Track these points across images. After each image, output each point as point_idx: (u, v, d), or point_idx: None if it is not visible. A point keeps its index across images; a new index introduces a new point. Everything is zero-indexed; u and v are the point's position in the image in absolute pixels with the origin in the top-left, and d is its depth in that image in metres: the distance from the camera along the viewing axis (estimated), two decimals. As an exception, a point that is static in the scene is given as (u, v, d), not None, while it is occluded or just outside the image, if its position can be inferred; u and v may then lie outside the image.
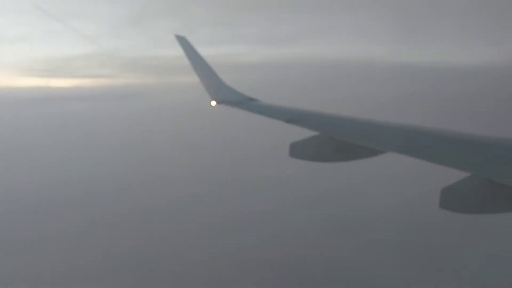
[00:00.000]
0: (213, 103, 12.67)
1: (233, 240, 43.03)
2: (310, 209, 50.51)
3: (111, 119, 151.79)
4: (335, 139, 8.40)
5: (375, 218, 46.61)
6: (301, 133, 9.05)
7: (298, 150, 9.02)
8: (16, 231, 47.46)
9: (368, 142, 7.79)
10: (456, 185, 5.95)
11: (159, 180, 65.38)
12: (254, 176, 64.99)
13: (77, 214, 51.97)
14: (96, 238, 44.74)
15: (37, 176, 71.06)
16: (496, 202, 5.81)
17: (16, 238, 45.70)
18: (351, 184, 56.49)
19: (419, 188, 50.30)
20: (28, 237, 45.65)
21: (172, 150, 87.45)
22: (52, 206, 55.10)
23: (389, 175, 55.94)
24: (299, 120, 9.85)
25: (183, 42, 13.51)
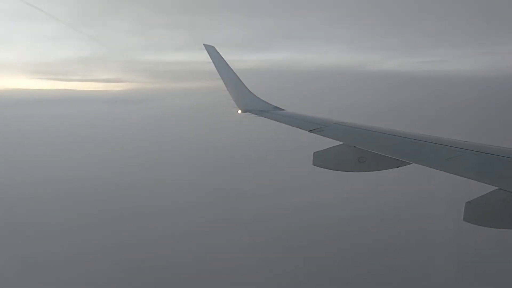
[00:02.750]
0: (239, 111, 12.93)
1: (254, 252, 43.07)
2: (330, 218, 50.11)
3: (124, 123, 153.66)
4: (358, 149, 8.48)
5: (397, 231, 45.85)
6: (325, 143, 9.16)
7: (321, 159, 9.12)
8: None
9: (392, 153, 7.85)
10: (480, 198, 5.94)
11: (182, 186, 65.97)
12: (276, 184, 64.85)
13: (104, 219, 52.89)
14: (134, 250, 45.28)
15: (59, 177, 72.63)
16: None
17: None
18: (373, 195, 55.75)
19: (443, 201, 49.23)
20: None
21: (192, 156, 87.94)
22: (78, 216, 56.23)
23: (412, 187, 54.90)
24: (323, 130, 9.95)
25: (211, 51, 13.88)
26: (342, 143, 8.83)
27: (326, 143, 9.07)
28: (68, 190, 64.74)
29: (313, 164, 8.97)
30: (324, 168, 8.99)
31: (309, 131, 10.01)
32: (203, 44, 13.82)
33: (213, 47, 13.77)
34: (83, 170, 77.39)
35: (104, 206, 57.04)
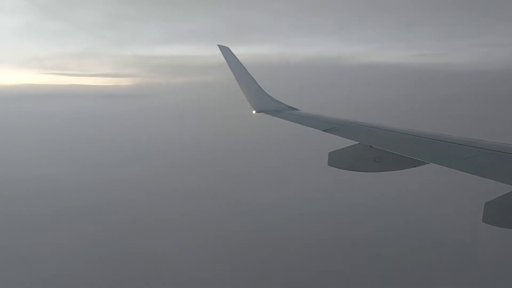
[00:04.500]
0: (254, 112, 12.98)
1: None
2: (346, 219, 49.80)
3: (129, 118, 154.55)
4: (374, 149, 8.42)
5: (414, 231, 45.30)
6: (340, 143, 9.11)
7: (336, 159, 9.09)
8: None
9: (408, 152, 7.76)
10: (500, 199, 5.83)
11: (197, 187, 66.24)
12: (291, 184, 64.74)
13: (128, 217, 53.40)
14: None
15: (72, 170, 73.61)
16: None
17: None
18: (389, 195, 55.19)
19: (461, 201, 48.49)
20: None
21: (206, 155, 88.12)
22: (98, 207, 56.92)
23: (430, 187, 54.21)
24: (338, 129, 9.91)
25: (225, 51, 13.99)
26: (358, 142, 8.78)
27: (342, 143, 9.01)
28: (76, 185, 65.40)
29: (329, 164, 8.93)
30: (339, 168, 8.95)
31: (324, 130, 9.98)
32: (218, 45, 13.97)
33: (227, 48, 13.89)
34: (93, 167, 78.02)
35: (106, 199, 57.70)
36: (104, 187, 64.65)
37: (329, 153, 8.95)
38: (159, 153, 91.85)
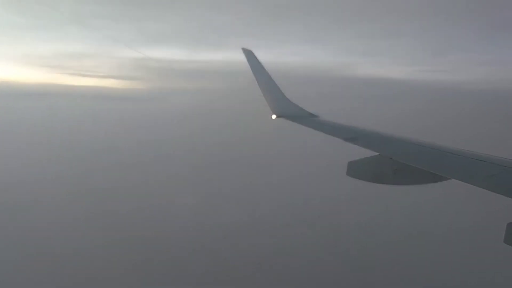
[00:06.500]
0: (274, 116, 12.87)
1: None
2: (361, 233, 49.02)
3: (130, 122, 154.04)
4: (394, 161, 8.22)
5: (432, 252, 44.02)
6: (360, 153, 8.94)
7: (355, 169, 8.92)
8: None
9: (430, 167, 7.55)
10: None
11: (213, 193, 66.31)
12: (307, 193, 64.05)
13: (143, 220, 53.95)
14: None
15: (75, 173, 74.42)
16: None
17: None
18: (407, 210, 54.04)
19: (483, 221, 47.18)
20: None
21: (223, 161, 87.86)
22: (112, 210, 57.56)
23: (450, 204, 52.92)
24: (359, 139, 9.74)
25: (249, 55, 13.92)
26: (378, 153, 8.59)
27: (362, 152, 8.84)
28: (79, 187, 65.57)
29: (347, 174, 8.76)
30: (358, 178, 8.78)
31: (344, 139, 9.82)
32: (241, 48, 13.92)
33: (251, 51, 13.82)
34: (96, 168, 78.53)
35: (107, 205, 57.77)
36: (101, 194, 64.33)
37: (348, 162, 8.79)
38: (162, 157, 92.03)
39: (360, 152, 8.82)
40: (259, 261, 41.25)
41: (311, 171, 75.66)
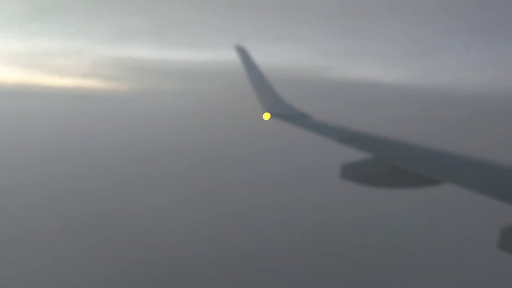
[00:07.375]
0: (266, 115, 12.66)
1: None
2: (354, 236, 48.64)
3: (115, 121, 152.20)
4: (390, 164, 8.07)
5: (425, 255, 43.79)
6: (354, 154, 8.81)
7: (349, 172, 8.71)
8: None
9: (427, 170, 7.44)
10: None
11: (210, 194, 65.67)
12: (299, 197, 62.91)
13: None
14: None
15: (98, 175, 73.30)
16: None
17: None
18: (402, 215, 53.12)
19: (477, 225, 47.07)
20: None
21: (213, 161, 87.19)
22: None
23: (446, 208, 52.10)
24: (352, 141, 9.57)
25: (242, 53, 13.66)
26: (373, 155, 8.42)
27: (356, 154, 8.66)
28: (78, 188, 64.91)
29: (341, 176, 8.58)
30: (352, 181, 8.59)
31: (338, 141, 9.64)
32: (235, 46, 13.67)
33: (245, 50, 13.59)
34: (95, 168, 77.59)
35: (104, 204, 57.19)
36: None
37: (342, 164, 8.61)
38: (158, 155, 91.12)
39: (353, 154, 8.70)
40: (251, 261, 41.02)
41: (305, 172, 74.97)
